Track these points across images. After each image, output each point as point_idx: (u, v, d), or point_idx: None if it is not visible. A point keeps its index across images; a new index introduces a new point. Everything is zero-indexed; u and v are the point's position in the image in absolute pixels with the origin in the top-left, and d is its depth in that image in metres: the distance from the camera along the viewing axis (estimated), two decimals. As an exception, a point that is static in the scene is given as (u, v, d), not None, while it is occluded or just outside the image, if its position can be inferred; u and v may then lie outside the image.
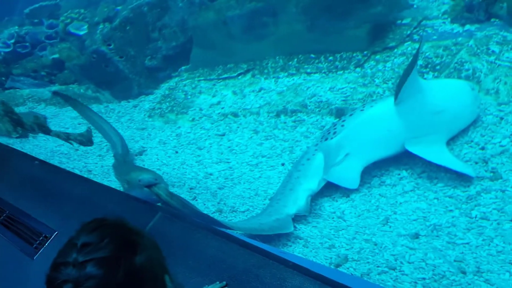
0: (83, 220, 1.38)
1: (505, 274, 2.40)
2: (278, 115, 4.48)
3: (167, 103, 5.48)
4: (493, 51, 3.78)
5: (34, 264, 2.95)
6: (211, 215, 3.34)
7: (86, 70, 6.11)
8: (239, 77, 5.34)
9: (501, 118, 3.34)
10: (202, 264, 2.43)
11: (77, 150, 5.00)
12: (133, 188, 3.53)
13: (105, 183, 3.98)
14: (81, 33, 6.44)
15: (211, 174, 4.05)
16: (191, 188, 3.90)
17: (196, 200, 3.72)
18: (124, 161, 4.33)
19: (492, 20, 4.30)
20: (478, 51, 3.83)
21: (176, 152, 4.59)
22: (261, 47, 5.13)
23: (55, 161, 4.80)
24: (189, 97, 5.45)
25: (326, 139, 3.38)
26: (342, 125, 3.39)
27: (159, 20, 6.06)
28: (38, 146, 5.40)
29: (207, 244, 2.55)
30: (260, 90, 4.96)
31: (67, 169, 4.43)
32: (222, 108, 5.00)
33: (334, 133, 3.37)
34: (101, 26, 6.09)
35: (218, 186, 3.84)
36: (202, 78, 5.58)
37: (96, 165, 4.71)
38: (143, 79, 5.99)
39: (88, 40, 6.05)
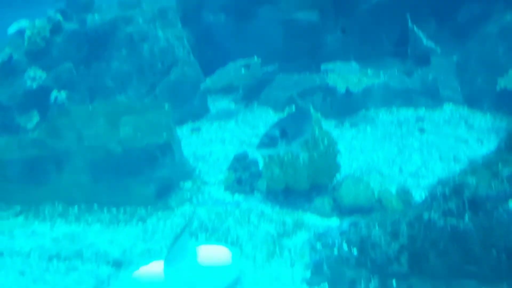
0: None
1: None
2: (50, 259, 4.32)
3: None
4: (252, 222, 4.55)
5: None
6: None
7: None
8: (10, 217, 5.06)
9: (257, 281, 3.91)
10: None
11: None
12: None
13: None
14: None
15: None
16: None
17: None
18: None
19: (255, 193, 5.20)
20: (242, 220, 4.56)
21: None
22: (39, 192, 5.09)
23: None
24: None
25: (98, 293, 3.40)
26: (116, 277, 3.51)
27: None
28: None
29: None
30: (32, 233, 4.76)
31: None
32: (-16, 246, 4.54)
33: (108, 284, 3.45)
34: None
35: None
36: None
37: None
38: None
39: None
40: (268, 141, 3.58)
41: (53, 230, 4.80)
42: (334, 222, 4.49)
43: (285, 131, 3.61)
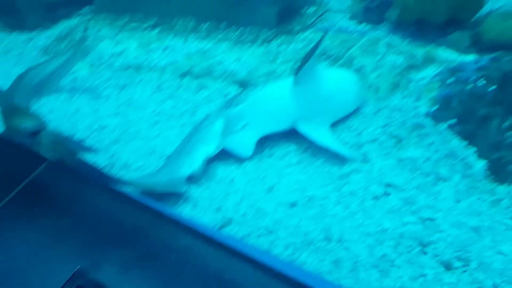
0: None
1: (361, 243, 2.87)
2: (183, 76, 4.49)
3: (65, 44, 5.18)
4: (379, 52, 4.29)
5: None
6: (102, 169, 3.32)
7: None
8: (147, 30, 5.21)
9: (378, 111, 3.85)
10: (87, 219, 2.37)
11: None
12: (14, 135, 3.28)
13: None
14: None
15: (106, 126, 3.99)
16: (81, 139, 3.80)
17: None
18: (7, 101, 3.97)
19: (384, 23, 4.82)
20: (368, 49, 4.31)
21: (70, 98, 4.42)
22: (172, 5, 5.08)
23: None
24: (89, 40, 5.20)
25: (228, 108, 3.58)
26: (244, 97, 3.62)
27: (63, -46, 5.63)
28: None
29: (95, 199, 2.47)
30: (167, 48, 4.91)
31: None
32: (125, 59, 4.86)
33: (236, 103, 3.59)
34: None
35: (112, 139, 3.80)
36: (106, 23, 5.34)
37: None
38: (40, 13, 5.54)
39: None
40: None
41: (185, 45, 4.93)
42: (471, 58, 4.08)
43: None
